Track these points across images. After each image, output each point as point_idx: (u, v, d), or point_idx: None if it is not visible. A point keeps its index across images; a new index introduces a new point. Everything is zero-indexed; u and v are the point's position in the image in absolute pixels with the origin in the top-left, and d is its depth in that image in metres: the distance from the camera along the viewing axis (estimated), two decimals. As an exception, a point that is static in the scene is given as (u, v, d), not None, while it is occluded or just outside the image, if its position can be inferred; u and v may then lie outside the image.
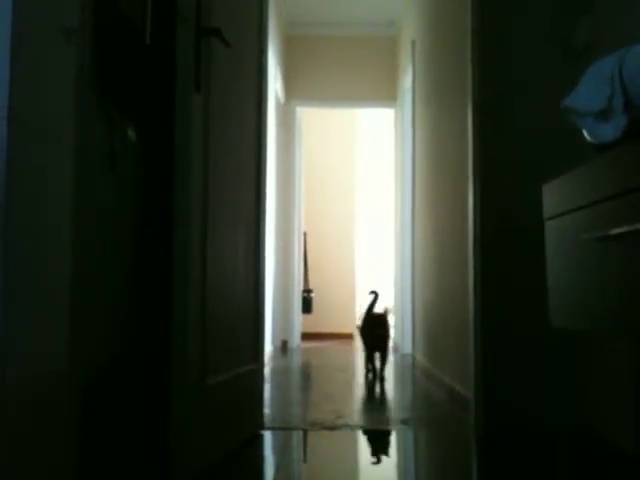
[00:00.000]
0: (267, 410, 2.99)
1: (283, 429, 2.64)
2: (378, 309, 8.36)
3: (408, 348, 5.59)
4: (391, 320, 7.89)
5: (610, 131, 1.50)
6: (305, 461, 2.29)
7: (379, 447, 2.44)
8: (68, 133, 1.47)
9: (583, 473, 2.06)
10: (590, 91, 1.57)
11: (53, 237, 1.40)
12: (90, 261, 1.62)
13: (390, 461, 2.28)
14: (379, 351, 4.27)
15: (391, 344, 6.13)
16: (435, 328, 4.11)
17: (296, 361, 5.23)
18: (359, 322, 8.33)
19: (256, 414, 2.55)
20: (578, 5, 2.70)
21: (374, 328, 4.29)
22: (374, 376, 4.21)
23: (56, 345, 1.41)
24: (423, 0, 4.79)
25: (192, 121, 1.98)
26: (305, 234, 7.52)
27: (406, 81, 5.69)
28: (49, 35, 1.38)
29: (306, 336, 7.37)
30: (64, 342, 1.44)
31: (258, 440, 2.48)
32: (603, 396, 2.44)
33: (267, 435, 2.56)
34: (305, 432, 2.62)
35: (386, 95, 6.68)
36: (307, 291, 7.26)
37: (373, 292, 4.57)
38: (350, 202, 7.89)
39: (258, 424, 2.58)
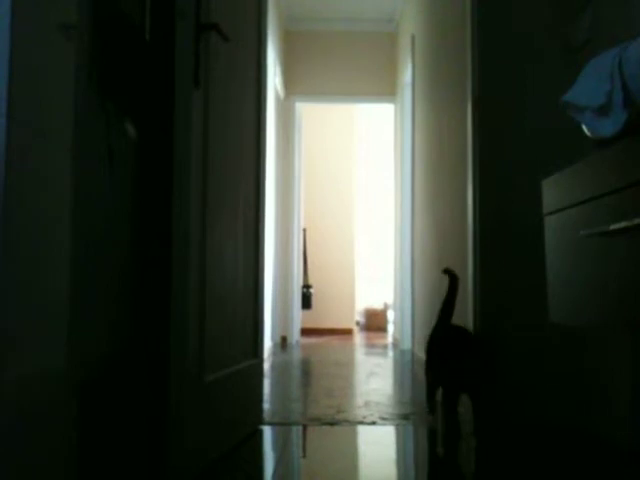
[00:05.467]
0: (267, 405, 3.00)
1: (283, 424, 2.64)
2: (377, 305, 8.40)
3: (407, 344, 5.60)
4: (390, 316, 7.89)
5: (610, 126, 1.50)
6: (305, 456, 2.30)
7: (379, 442, 2.44)
8: (67, 130, 1.46)
9: (582, 471, 2.07)
10: (590, 86, 1.57)
11: (52, 236, 1.40)
12: (89, 259, 1.62)
13: (390, 456, 2.28)
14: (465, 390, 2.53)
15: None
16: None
17: (296, 357, 5.23)
18: (358, 318, 8.33)
19: (256, 410, 2.56)
20: (577, 0, 2.70)
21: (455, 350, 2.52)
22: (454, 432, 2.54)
23: (55, 344, 1.41)
24: (422, -5, 4.78)
25: (191, 117, 1.97)
26: (305, 230, 7.52)
27: (405, 76, 5.68)
28: (48, 32, 1.38)
29: (305, 332, 7.38)
30: (63, 341, 1.44)
31: (258, 436, 2.48)
32: (602, 393, 2.44)
33: (267, 430, 2.56)
34: (305, 427, 2.62)
35: (385, 90, 6.67)
36: (306, 287, 7.27)
37: (448, 272, 2.73)
38: (349, 198, 7.89)
39: (258, 420, 2.58)
